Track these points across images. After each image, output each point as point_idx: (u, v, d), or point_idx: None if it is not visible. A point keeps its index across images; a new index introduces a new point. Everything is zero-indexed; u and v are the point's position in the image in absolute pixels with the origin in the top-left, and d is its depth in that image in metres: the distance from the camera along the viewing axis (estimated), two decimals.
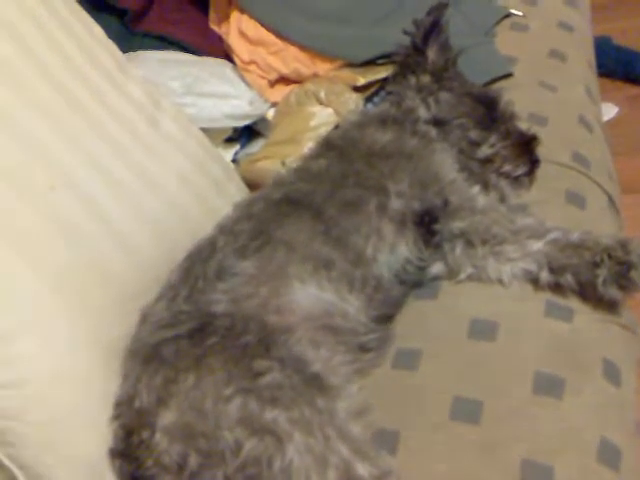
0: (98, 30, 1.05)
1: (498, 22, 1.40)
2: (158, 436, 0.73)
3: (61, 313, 0.80)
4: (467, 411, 0.81)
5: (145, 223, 0.94)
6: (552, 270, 0.89)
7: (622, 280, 0.85)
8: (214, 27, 1.42)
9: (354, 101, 1.27)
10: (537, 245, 0.90)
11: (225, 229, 0.94)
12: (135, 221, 0.93)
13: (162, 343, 0.80)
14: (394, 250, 0.94)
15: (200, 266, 0.88)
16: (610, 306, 0.90)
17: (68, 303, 0.81)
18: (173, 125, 1.06)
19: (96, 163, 0.90)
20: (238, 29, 1.35)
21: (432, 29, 1.07)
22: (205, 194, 1.05)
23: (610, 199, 1.12)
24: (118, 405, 0.80)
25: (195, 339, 0.78)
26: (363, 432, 0.75)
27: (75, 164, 0.87)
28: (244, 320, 0.80)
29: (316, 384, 0.76)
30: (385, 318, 0.92)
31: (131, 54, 1.29)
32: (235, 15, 1.35)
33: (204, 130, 1.26)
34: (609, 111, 1.96)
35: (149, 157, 0.97)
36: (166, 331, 0.81)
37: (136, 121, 0.99)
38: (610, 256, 0.85)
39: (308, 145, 1.20)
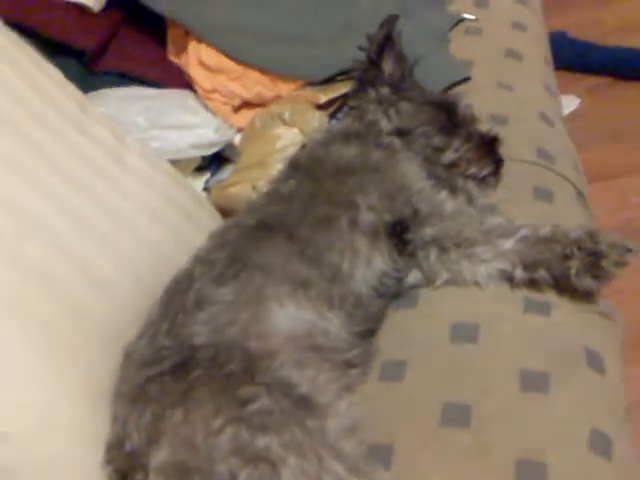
0: (56, 73, 1.04)
1: (452, 28, 1.42)
2: (152, 477, 0.72)
3: (44, 364, 0.80)
4: (457, 416, 0.81)
5: (120, 262, 0.94)
6: (526, 267, 0.90)
7: (594, 270, 0.86)
8: (173, 59, 1.43)
9: (318, 119, 1.29)
10: (508, 244, 0.91)
11: (201, 259, 0.94)
12: (110, 262, 0.93)
13: (147, 381, 0.79)
14: (370, 264, 0.95)
15: (178, 299, 0.88)
16: (586, 296, 0.91)
17: (51, 352, 0.81)
18: (139, 161, 1.06)
19: (65, 208, 0.90)
20: (197, 59, 1.36)
21: (385, 42, 1.09)
22: (178, 226, 1.05)
23: (578, 190, 1.14)
24: (109, 449, 0.80)
25: (179, 374, 0.78)
26: (356, 449, 0.75)
27: (44, 211, 0.87)
28: (226, 349, 0.80)
29: (305, 405, 0.76)
30: (367, 333, 0.93)
31: (92, 93, 1.29)
32: (193, 45, 1.36)
33: (172, 162, 1.27)
34: (571, 103, 1.99)
35: (118, 196, 0.97)
36: (150, 369, 0.81)
37: (102, 161, 0.99)
38: (580, 248, 0.87)
39: (277, 167, 1.21)
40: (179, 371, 0.78)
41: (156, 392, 0.77)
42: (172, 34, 1.42)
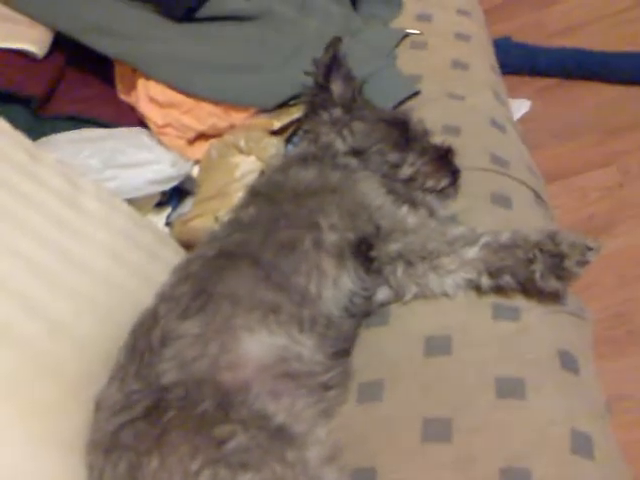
0: (3, 124, 1.03)
1: (397, 44, 1.44)
2: None
3: (13, 419, 0.78)
4: (438, 431, 0.81)
5: (84, 308, 0.92)
6: (491, 274, 0.91)
7: (558, 271, 0.87)
8: (123, 97, 1.42)
9: (274, 145, 1.28)
10: (472, 252, 0.92)
11: (165, 296, 0.93)
12: (73, 309, 0.91)
13: (120, 429, 0.78)
14: (337, 284, 0.94)
15: (144, 339, 0.86)
16: (554, 297, 0.92)
17: (19, 406, 0.79)
18: (96, 203, 1.04)
19: (23, 259, 0.88)
20: (147, 95, 1.35)
21: (332, 64, 1.10)
22: (140, 266, 1.03)
23: (535, 193, 1.15)
24: None
25: (152, 418, 0.76)
26: (339, 476, 0.74)
27: (1, 265, 0.85)
28: (197, 385, 0.79)
29: (282, 437, 0.75)
30: (341, 353, 0.92)
31: (43, 140, 1.27)
32: (142, 82, 1.35)
33: (131, 200, 1.26)
34: (522, 106, 2.03)
35: (76, 241, 0.95)
36: (122, 415, 0.79)
37: (56, 207, 0.97)
38: (542, 250, 0.87)
39: (237, 196, 1.20)
40: (151, 415, 0.77)
41: (130, 439, 0.76)
42: (120, 73, 1.41)
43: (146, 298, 0.96)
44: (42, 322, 0.86)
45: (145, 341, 0.86)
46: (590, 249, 0.87)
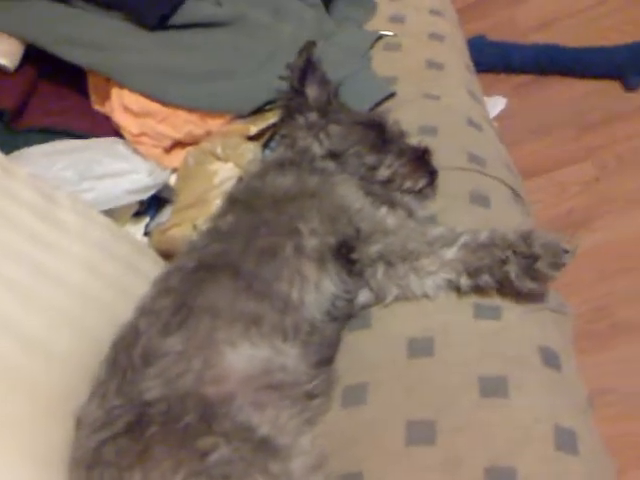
0: None
1: (372, 46, 1.44)
2: None
3: None
4: (422, 433, 0.81)
5: (59, 322, 0.91)
6: (470, 274, 0.91)
7: (531, 272, 0.87)
8: (98, 107, 1.40)
9: (252, 150, 1.28)
10: (451, 252, 0.92)
11: (145, 310, 0.92)
12: (50, 324, 0.90)
13: (101, 445, 0.77)
14: (319, 288, 0.94)
15: (125, 355, 0.85)
16: (533, 295, 0.93)
17: None
18: (71, 216, 1.03)
19: None
20: (121, 105, 1.33)
21: (306, 68, 1.10)
22: (117, 277, 1.02)
23: (513, 190, 1.16)
24: None
25: (134, 433, 0.75)
26: None
27: None
28: (181, 400, 0.78)
29: (266, 448, 0.74)
30: (325, 361, 0.92)
31: (16, 153, 1.25)
32: (116, 92, 1.34)
33: (109, 211, 1.24)
34: (498, 104, 2.04)
35: (49, 255, 0.94)
36: (103, 432, 0.78)
37: (30, 222, 0.96)
38: (515, 252, 0.87)
39: (216, 203, 1.19)
40: (134, 430, 0.76)
41: (112, 455, 0.75)
42: (93, 83, 1.40)
43: (124, 310, 0.94)
44: (14, 337, 0.85)
45: (126, 357, 0.85)
46: (565, 251, 0.86)
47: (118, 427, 0.77)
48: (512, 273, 0.87)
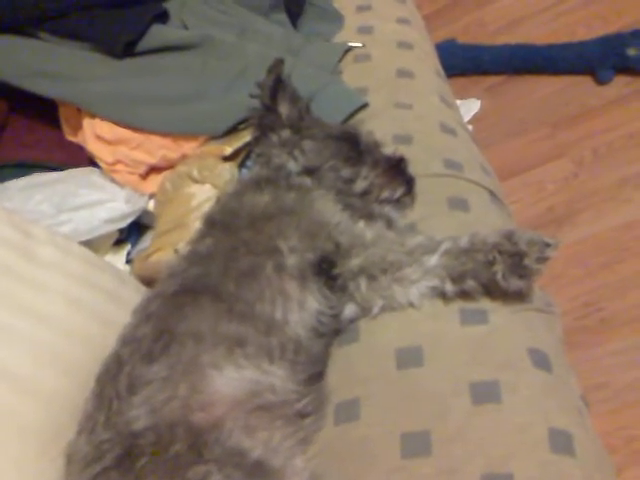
0: None
1: (341, 58, 1.44)
2: None
3: None
4: (417, 445, 0.80)
5: (45, 360, 0.89)
6: (454, 280, 0.91)
7: (519, 270, 0.87)
8: (71, 138, 1.40)
9: (229, 171, 1.27)
10: (433, 260, 0.91)
11: (127, 339, 0.90)
12: (34, 362, 0.88)
13: None
14: (303, 305, 0.93)
15: (111, 386, 0.84)
16: (519, 296, 0.92)
17: None
18: (49, 250, 1.01)
19: None
20: (94, 134, 1.32)
21: (276, 86, 1.09)
22: (99, 309, 1.01)
23: (491, 193, 1.16)
24: None
25: (124, 466, 0.74)
26: None
27: None
28: (169, 428, 0.77)
29: (259, 472, 0.73)
30: (314, 378, 0.91)
31: None
32: (87, 121, 1.33)
33: (88, 242, 1.23)
34: (472, 106, 2.05)
35: (28, 290, 0.92)
36: (93, 467, 0.77)
37: (6, 258, 0.94)
38: (500, 252, 0.88)
39: (196, 226, 1.18)
40: (124, 463, 0.75)
41: None
42: (65, 114, 1.39)
43: (109, 342, 0.93)
44: (3, 380, 0.83)
45: (112, 388, 0.83)
46: (548, 245, 0.87)
47: (108, 461, 0.75)
48: (499, 273, 0.87)
